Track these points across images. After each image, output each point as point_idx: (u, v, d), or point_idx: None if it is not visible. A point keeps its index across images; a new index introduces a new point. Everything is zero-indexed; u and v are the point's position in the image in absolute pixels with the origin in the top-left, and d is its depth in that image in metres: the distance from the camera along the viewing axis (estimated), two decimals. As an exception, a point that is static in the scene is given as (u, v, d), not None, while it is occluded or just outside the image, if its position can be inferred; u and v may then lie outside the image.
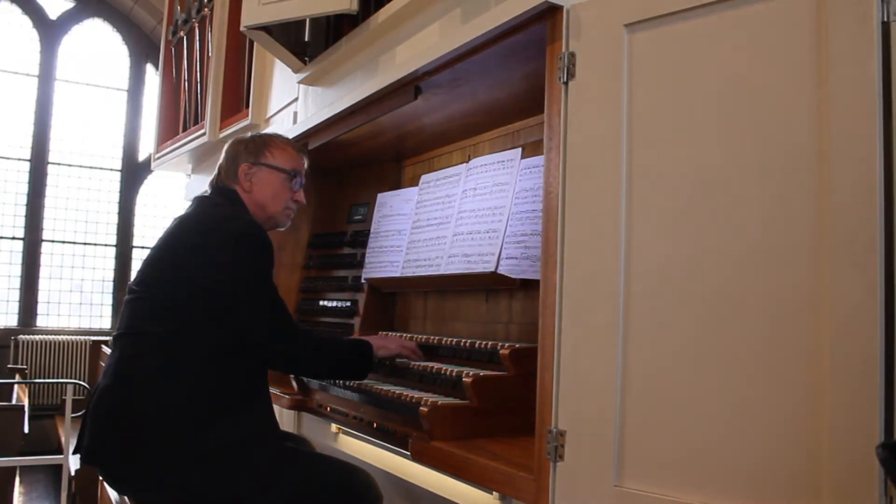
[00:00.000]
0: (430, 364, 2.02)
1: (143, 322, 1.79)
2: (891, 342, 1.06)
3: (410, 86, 2.00)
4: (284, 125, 3.13)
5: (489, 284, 2.13)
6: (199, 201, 1.98)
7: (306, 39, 2.95)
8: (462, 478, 1.66)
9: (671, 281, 1.29)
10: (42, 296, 7.87)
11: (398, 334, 2.29)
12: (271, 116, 3.47)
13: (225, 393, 1.77)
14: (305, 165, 2.12)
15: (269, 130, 3.40)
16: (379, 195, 2.68)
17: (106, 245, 8.26)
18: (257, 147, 2.03)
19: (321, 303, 2.76)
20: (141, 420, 1.70)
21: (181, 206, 8.05)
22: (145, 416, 1.70)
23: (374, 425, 2.03)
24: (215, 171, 2.07)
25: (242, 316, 1.78)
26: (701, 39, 1.29)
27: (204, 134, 3.85)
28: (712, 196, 1.26)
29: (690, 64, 1.31)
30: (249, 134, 2.15)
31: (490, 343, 1.94)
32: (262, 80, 3.55)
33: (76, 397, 5.39)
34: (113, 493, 2.39)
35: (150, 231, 8.42)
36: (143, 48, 8.50)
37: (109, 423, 1.74)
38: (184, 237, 1.88)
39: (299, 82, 2.96)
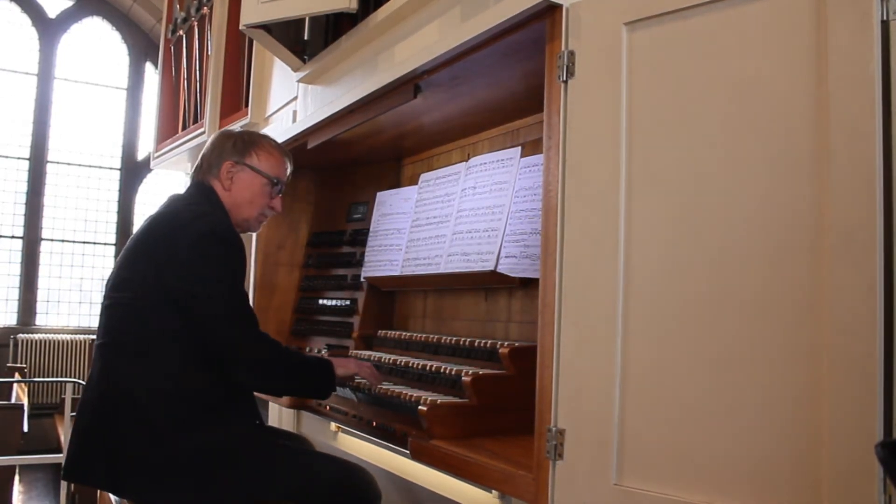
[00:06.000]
0: (430, 363, 2.02)
1: (119, 330, 1.77)
2: (890, 341, 1.06)
3: (410, 84, 2.00)
4: (284, 124, 3.13)
5: (488, 283, 2.13)
6: (173, 199, 1.94)
7: (306, 38, 2.96)
8: (461, 476, 1.66)
9: (671, 279, 1.29)
10: (41, 294, 7.88)
11: (396, 332, 2.29)
12: (271, 115, 3.47)
13: (209, 395, 1.75)
14: (289, 171, 2.06)
15: (268, 129, 3.41)
16: (378, 194, 2.67)
17: (105, 244, 8.27)
18: (245, 146, 1.97)
19: (320, 301, 2.76)
20: (124, 432, 1.69)
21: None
22: (127, 427, 1.69)
23: (374, 424, 2.03)
24: (198, 162, 2.01)
25: (204, 318, 1.72)
26: (701, 38, 1.29)
27: (203, 132, 3.85)
28: (712, 195, 1.26)
29: (690, 63, 1.30)
30: (239, 128, 2.10)
31: (489, 342, 1.94)
32: (262, 79, 3.55)
33: (75, 396, 5.37)
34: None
35: (149, 230, 8.41)
36: (142, 47, 8.50)
37: (91, 440, 1.73)
38: (153, 238, 1.81)
39: (299, 81, 2.96)
